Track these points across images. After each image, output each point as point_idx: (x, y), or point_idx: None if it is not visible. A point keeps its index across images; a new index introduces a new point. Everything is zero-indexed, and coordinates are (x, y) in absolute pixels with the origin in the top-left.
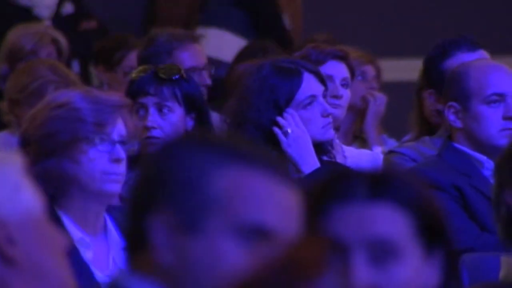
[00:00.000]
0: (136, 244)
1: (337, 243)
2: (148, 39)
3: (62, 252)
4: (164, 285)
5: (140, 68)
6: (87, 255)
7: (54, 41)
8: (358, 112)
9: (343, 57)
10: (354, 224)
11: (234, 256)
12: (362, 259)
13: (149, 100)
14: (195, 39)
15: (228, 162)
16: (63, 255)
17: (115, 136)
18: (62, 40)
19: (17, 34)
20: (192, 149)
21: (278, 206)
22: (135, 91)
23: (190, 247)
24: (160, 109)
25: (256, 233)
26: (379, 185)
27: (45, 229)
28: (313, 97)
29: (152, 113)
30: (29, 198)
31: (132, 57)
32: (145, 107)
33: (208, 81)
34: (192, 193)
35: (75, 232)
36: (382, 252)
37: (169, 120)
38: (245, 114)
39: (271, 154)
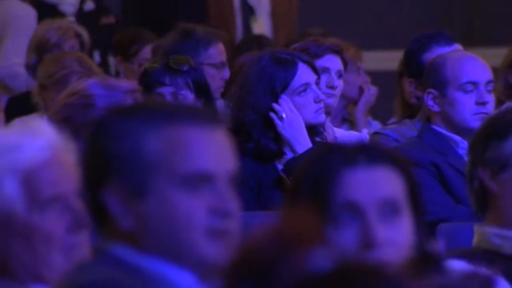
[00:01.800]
0: (99, 216)
1: (351, 205)
2: (183, 33)
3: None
4: (133, 247)
5: (153, 59)
6: None
7: (77, 35)
8: (348, 99)
9: (338, 51)
10: (365, 187)
11: (186, 205)
12: (376, 217)
13: (166, 90)
14: (221, 37)
15: (157, 123)
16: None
17: None
18: (84, 34)
19: (44, 29)
20: (122, 120)
21: (213, 150)
22: (152, 81)
23: (144, 208)
24: (176, 97)
25: (199, 179)
26: (375, 152)
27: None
28: (307, 85)
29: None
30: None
31: (146, 50)
32: (162, 97)
33: (228, 75)
34: (132, 160)
35: None
36: (390, 210)
37: None
38: (245, 100)
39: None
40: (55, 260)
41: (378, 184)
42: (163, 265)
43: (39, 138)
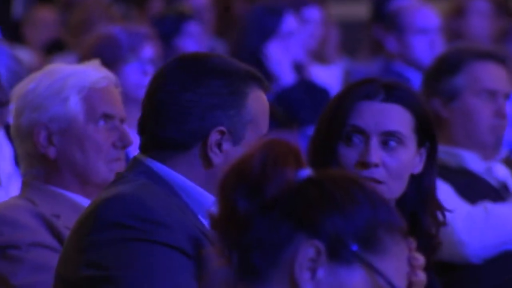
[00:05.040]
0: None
1: (359, 130)
2: None
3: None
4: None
5: (166, 9)
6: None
7: None
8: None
9: (321, 3)
10: (373, 117)
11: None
12: (376, 143)
13: (195, 29)
14: None
15: (253, 83)
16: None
17: (145, 56)
18: None
19: None
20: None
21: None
22: (182, 25)
23: (233, 153)
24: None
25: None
26: (391, 90)
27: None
28: (292, 30)
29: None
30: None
31: (157, 4)
32: (194, 36)
33: None
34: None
35: None
36: (391, 140)
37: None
38: (241, 43)
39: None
40: (100, 167)
41: (388, 118)
42: (191, 184)
43: (100, 71)
